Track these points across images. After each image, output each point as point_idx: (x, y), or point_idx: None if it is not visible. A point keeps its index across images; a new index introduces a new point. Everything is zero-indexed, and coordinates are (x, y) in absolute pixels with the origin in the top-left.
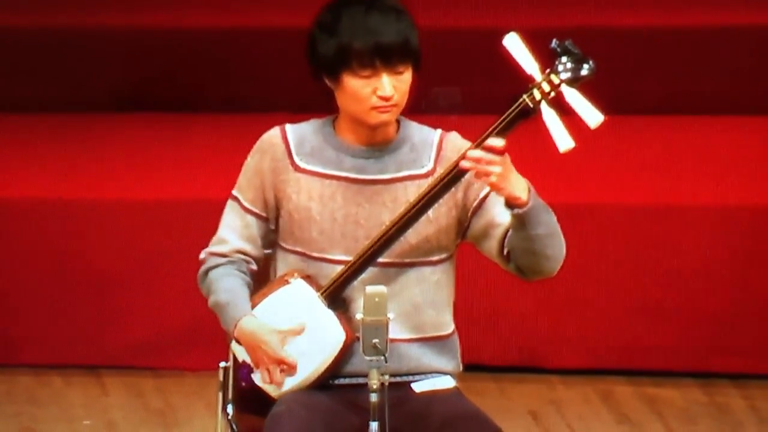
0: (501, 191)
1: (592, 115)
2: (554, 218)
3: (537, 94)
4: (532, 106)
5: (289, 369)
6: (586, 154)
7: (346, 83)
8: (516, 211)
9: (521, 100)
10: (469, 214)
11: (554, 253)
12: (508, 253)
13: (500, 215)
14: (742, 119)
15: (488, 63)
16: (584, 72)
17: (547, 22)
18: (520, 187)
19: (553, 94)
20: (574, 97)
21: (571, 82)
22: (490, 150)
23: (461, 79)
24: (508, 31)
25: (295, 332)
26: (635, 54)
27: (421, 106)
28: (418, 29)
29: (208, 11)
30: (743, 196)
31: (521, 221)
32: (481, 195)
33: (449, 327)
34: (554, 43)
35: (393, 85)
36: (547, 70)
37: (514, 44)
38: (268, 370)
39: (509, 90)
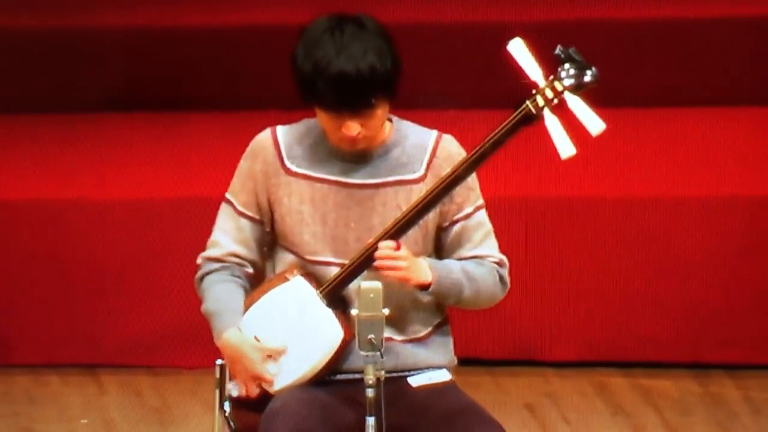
0: (409, 282)
1: (594, 123)
2: (473, 276)
3: (540, 101)
4: (534, 112)
5: (268, 384)
6: (580, 147)
7: (318, 113)
8: (425, 291)
9: (524, 105)
10: (442, 227)
11: (482, 303)
12: None
13: (461, 244)
14: (737, 110)
15: (483, 58)
16: (587, 79)
17: (541, 15)
18: (421, 271)
19: (556, 100)
20: (576, 105)
21: (574, 89)
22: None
23: (456, 75)
24: (501, 26)
25: (278, 352)
26: (629, 46)
27: (416, 102)
28: (401, 40)
29: (201, 10)
30: (738, 188)
31: (435, 297)
32: (454, 218)
33: (444, 323)
34: (558, 49)
35: (361, 122)
36: (551, 77)
37: (518, 49)
38: (245, 384)
39: (505, 85)
